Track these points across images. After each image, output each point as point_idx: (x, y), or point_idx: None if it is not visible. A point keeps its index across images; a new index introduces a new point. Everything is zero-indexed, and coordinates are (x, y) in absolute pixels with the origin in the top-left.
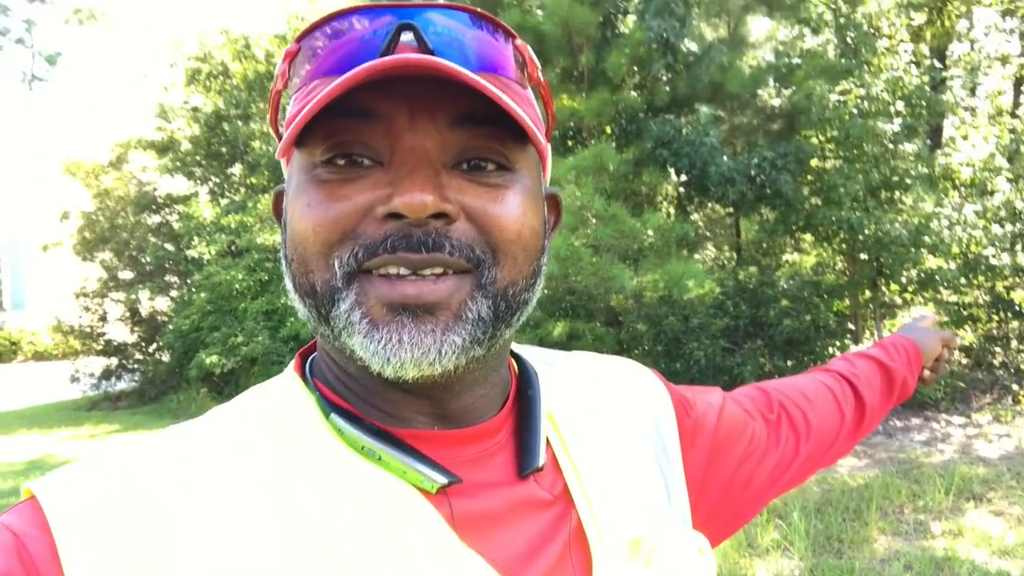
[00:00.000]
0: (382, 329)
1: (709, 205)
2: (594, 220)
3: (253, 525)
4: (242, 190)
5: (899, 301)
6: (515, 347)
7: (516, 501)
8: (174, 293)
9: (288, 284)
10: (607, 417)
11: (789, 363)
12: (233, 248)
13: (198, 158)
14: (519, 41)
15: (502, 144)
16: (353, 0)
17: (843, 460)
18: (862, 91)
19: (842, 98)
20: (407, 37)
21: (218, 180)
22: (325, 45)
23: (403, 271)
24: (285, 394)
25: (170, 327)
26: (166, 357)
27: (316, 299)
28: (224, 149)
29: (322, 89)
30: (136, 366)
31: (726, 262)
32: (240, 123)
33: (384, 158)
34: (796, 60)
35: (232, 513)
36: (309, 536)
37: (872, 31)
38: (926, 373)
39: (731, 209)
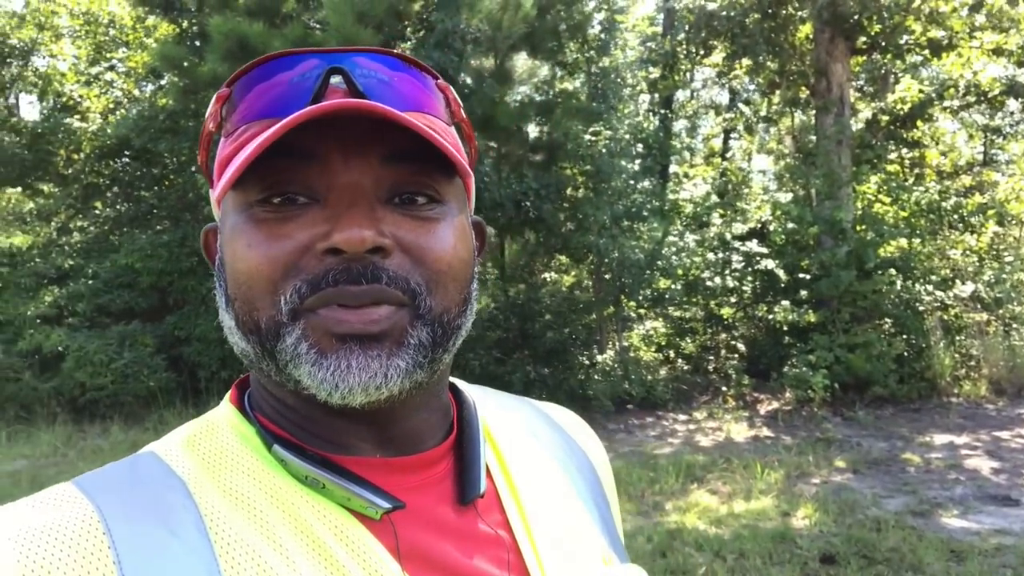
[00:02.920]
0: (330, 357)
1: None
2: None
3: (196, 561)
4: None
5: (635, 316)
6: (457, 381)
7: (459, 530)
8: None
9: (229, 322)
10: (549, 458)
11: (547, 370)
12: None
13: None
14: (441, 81)
15: (431, 178)
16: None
17: None
18: (609, 132)
19: (593, 138)
20: (336, 80)
21: None
22: (256, 89)
23: (345, 303)
24: (225, 427)
25: None
26: None
27: (261, 335)
28: None
29: (257, 132)
30: None
31: (491, 280)
32: None
33: (320, 196)
34: (555, 99)
35: (175, 549)
36: (252, 569)
37: (619, 80)
38: None
39: (496, 231)
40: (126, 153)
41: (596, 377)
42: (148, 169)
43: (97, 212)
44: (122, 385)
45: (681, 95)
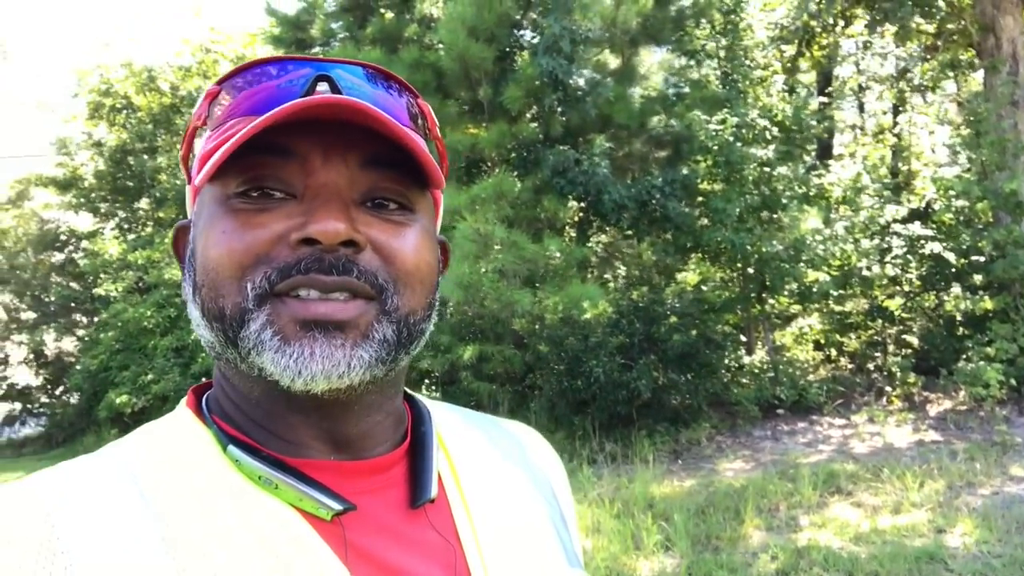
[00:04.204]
0: (294, 344)
1: (608, 229)
2: (496, 247)
3: (147, 558)
4: (150, 225)
5: (789, 313)
6: (413, 392)
7: (407, 534)
8: (81, 332)
9: (194, 312)
10: (505, 471)
11: (688, 376)
12: (141, 284)
13: (103, 193)
14: (421, 100)
15: (405, 187)
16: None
17: (730, 464)
18: (736, 119)
19: (720, 127)
20: (323, 87)
21: (125, 215)
22: (245, 89)
23: (313, 294)
24: (180, 428)
25: (78, 367)
26: (74, 399)
27: (224, 322)
28: (131, 183)
29: (241, 127)
30: (42, 410)
31: (625, 282)
32: (146, 157)
33: (297, 192)
34: (685, 89)
35: (126, 547)
36: (200, 566)
37: (749, 63)
38: None
39: (629, 232)
40: None
41: (744, 380)
42: None
43: None
44: None
45: (842, 71)
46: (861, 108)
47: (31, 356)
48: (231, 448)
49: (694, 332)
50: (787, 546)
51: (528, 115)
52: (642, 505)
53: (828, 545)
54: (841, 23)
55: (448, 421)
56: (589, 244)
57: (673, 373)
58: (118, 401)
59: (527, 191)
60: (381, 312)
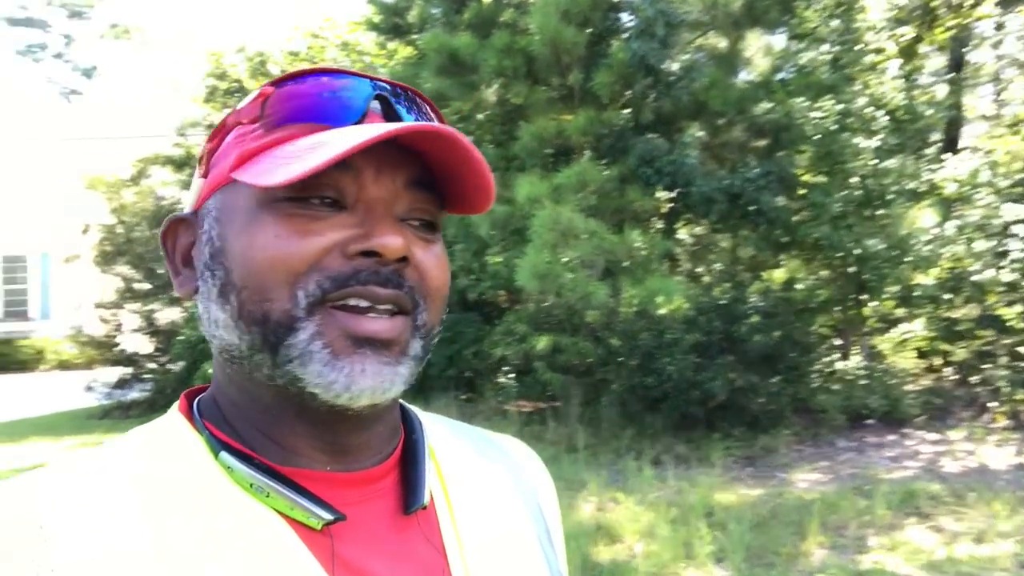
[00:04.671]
0: (343, 359)
1: (699, 222)
2: (577, 237)
3: (138, 568)
4: None
5: (893, 316)
6: (403, 402)
7: (396, 545)
8: (188, 304)
9: (217, 313)
10: (493, 484)
11: (771, 379)
12: None
13: None
14: (442, 117)
15: (435, 207)
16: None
17: (805, 475)
18: (841, 107)
19: (823, 115)
20: (375, 105)
21: None
22: (303, 96)
23: (363, 303)
24: (172, 433)
25: (180, 338)
26: (176, 367)
27: (267, 327)
28: None
29: (298, 133)
30: (149, 376)
31: (710, 278)
32: None
33: (347, 203)
34: (789, 74)
35: (117, 556)
36: (188, 569)
37: (862, 46)
38: None
39: (719, 226)
40: None
41: (835, 387)
42: None
43: None
44: None
45: (977, 55)
46: (997, 96)
47: (143, 325)
48: (223, 454)
49: (777, 333)
50: (848, 567)
51: (618, 102)
52: (700, 512)
53: (894, 571)
54: (969, 1)
55: (437, 432)
56: (677, 237)
57: (752, 375)
58: (209, 372)
59: (612, 180)
60: (413, 328)
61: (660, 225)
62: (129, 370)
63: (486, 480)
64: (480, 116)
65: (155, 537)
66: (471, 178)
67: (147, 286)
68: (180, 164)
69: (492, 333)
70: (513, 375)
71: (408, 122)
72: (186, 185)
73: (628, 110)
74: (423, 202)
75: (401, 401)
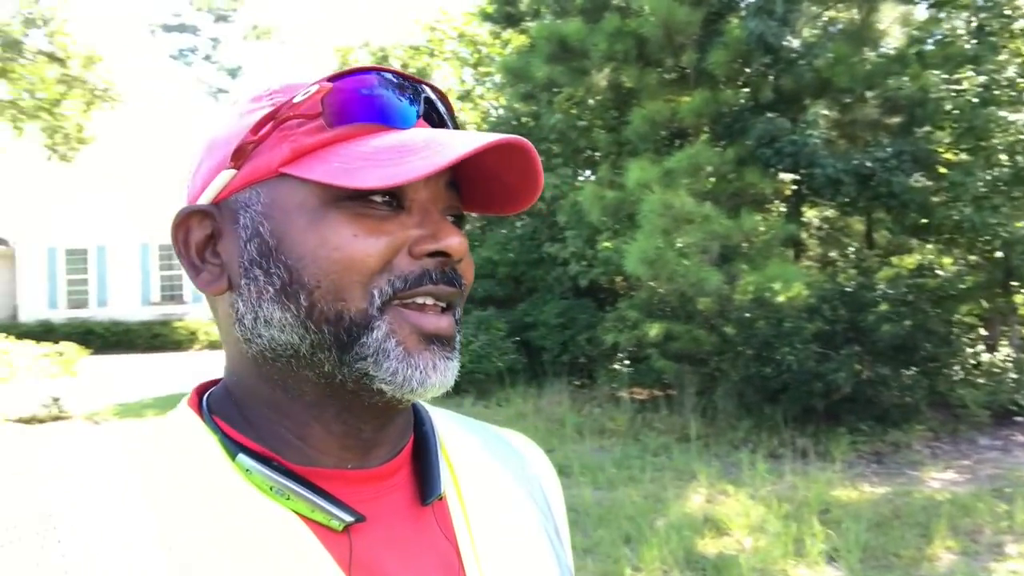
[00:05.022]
0: (416, 356)
1: (826, 205)
2: (687, 222)
3: (150, 570)
4: None
5: None
6: None
7: (413, 540)
8: None
9: (279, 314)
10: (501, 478)
11: (907, 372)
12: None
13: None
14: (447, 98)
15: (462, 207)
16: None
17: (939, 474)
18: (984, 78)
19: (963, 87)
20: (420, 108)
21: None
22: (361, 95)
23: (429, 301)
24: (185, 432)
25: None
26: None
27: (340, 326)
28: None
29: (367, 132)
30: None
31: (844, 263)
32: None
33: (404, 204)
34: (928, 47)
35: (130, 559)
36: (203, 572)
37: (1010, 12)
38: None
39: (848, 208)
40: None
41: (979, 381)
42: None
43: None
44: (477, 364)
45: None
46: None
47: None
48: (241, 457)
49: (909, 323)
50: (979, 575)
51: (735, 81)
52: (815, 508)
53: None
54: None
55: (447, 425)
56: (803, 220)
57: (882, 367)
58: None
59: (728, 163)
60: (456, 322)
61: (783, 208)
62: None
63: (495, 473)
64: (591, 101)
65: (169, 542)
66: (528, 180)
67: None
68: None
69: (605, 320)
70: (628, 362)
71: (449, 124)
72: None
73: (747, 89)
74: (455, 199)
75: None
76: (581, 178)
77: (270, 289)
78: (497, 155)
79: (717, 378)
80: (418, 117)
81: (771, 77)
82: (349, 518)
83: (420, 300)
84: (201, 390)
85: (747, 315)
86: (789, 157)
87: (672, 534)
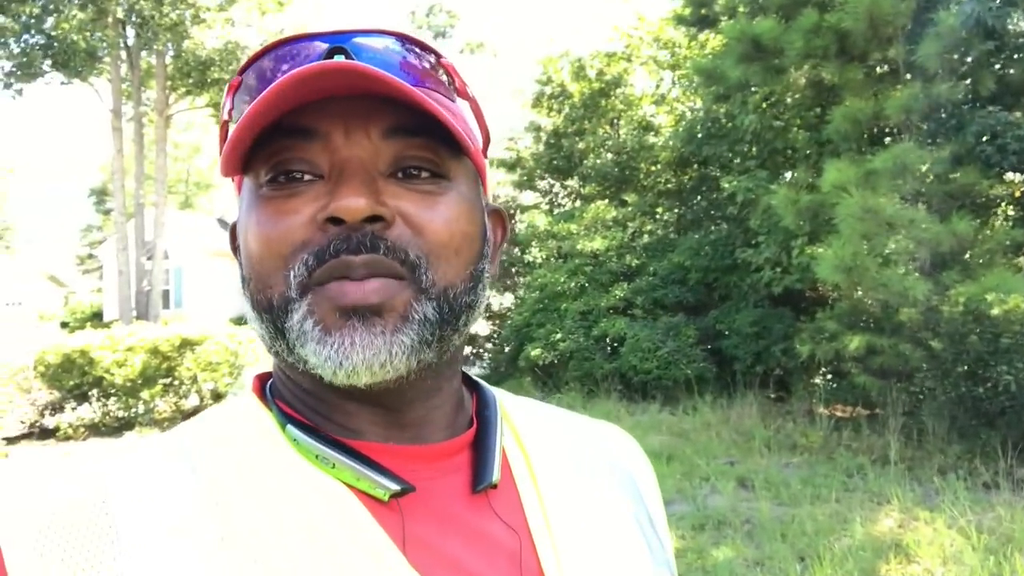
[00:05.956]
0: (334, 334)
1: None
2: (889, 227)
3: (199, 543)
4: (577, 200)
5: None
6: (478, 379)
7: (470, 523)
8: (520, 292)
9: (247, 307)
10: (585, 464)
11: None
12: (560, 252)
13: (540, 172)
14: (445, 59)
15: (435, 154)
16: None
17: None
18: None
19: None
20: (338, 59)
21: (556, 191)
22: (264, 75)
23: (345, 274)
24: (243, 410)
25: (509, 322)
26: (507, 349)
27: (272, 313)
28: (562, 163)
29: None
30: (487, 354)
31: None
32: (577, 139)
33: (324, 172)
34: None
35: (179, 531)
36: (251, 540)
37: None
38: None
39: None
40: (695, 161)
41: None
42: (703, 173)
43: (657, 217)
44: (664, 371)
45: None
46: None
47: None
48: (289, 427)
49: None
50: None
51: (950, 73)
52: (1023, 544)
53: None
54: None
55: (525, 413)
56: None
57: None
58: (532, 354)
59: (942, 162)
60: (418, 291)
61: (1011, 212)
62: (470, 349)
63: (576, 458)
64: (788, 100)
65: (217, 509)
66: (419, 112)
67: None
68: (511, 166)
69: (801, 330)
70: (830, 376)
71: (403, 74)
72: (518, 185)
73: (965, 81)
74: (416, 149)
75: (475, 377)
76: (780, 181)
77: (240, 285)
78: (374, 87)
79: (923, 397)
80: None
81: (995, 66)
82: (395, 486)
83: (338, 273)
84: (263, 377)
85: (958, 329)
86: (1015, 155)
87: (850, 556)
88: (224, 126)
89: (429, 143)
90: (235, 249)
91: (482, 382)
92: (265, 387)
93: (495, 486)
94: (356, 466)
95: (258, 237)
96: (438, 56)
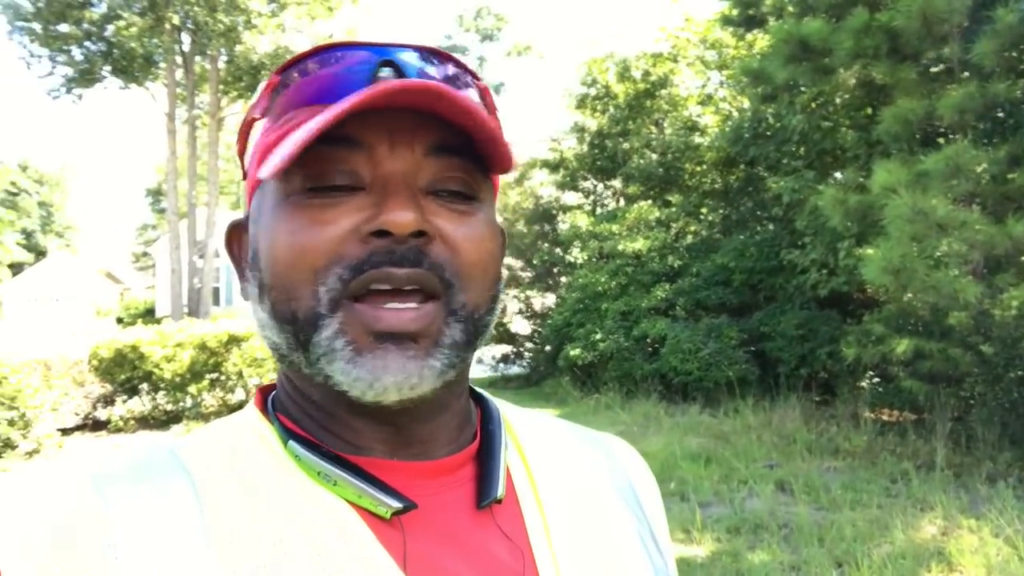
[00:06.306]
0: (366, 355)
1: None
2: (939, 228)
3: (193, 554)
4: (620, 201)
5: None
6: (482, 392)
7: (473, 539)
8: (562, 292)
9: (260, 314)
10: (588, 479)
11: None
12: (601, 252)
13: (583, 173)
14: (482, 82)
15: (470, 175)
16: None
17: None
18: None
19: None
20: (386, 72)
21: (600, 192)
22: (306, 77)
23: (385, 287)
24: (245, 424)
25: (549, 321)
26: (547, 348)
27: (296, 326)
28: (605, 164)
29: (306, 118)
30: (526, 354)
31: None
32: (621, 139)
33: (364, 183)
34: None
35: (174, 542)
36: (252, 559)
37: None
38: None
39: None
40: (742, 162)
41: None
42: (749, 174)
43: (701, 217)
44: (705, 372)
45: None
46: None
47: (523, 308)
48: (291, 443)
49: None
50: None
51: (1008, 72)
52: None
53: None
54: None
55: (528, 425)
56: None
57: None
58: (572, 354)
59: (996, 163)
60: (448, 312)
61: None
62: (510, 348)
63: (579, 472)
64: (837, 100)
65: (217, 527)
66: (477, 132)
67: (527, 274)
68: (555, 167)
69: (848, 333)
70: (876, 380)
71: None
72: (561, 186)
73: (1019, 79)
74: (453, 169)
75: (480, 390)
76: (827, 182)
77: (255, 292)
78: (442, 106)
79: (973, 403)
80: (368, 85)
81: None
82: (397, 504)
83: (375, 287)
84: (265, 390)
85: (1010, 333)
86: None
87: (890, 563)
88: (251, 123)
89: (466, 164)
90: (234, 250)
91: (486, 394)
92: (267, 400)
93: (500, 501)
94: (358, 483)
95: (289, 246)
96: (474, 76)
